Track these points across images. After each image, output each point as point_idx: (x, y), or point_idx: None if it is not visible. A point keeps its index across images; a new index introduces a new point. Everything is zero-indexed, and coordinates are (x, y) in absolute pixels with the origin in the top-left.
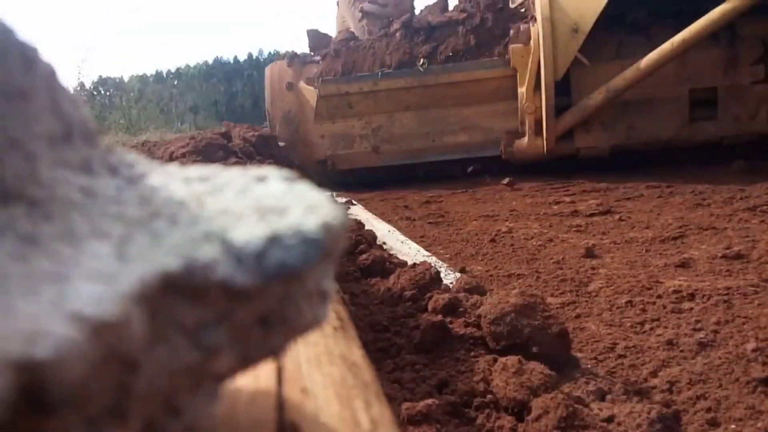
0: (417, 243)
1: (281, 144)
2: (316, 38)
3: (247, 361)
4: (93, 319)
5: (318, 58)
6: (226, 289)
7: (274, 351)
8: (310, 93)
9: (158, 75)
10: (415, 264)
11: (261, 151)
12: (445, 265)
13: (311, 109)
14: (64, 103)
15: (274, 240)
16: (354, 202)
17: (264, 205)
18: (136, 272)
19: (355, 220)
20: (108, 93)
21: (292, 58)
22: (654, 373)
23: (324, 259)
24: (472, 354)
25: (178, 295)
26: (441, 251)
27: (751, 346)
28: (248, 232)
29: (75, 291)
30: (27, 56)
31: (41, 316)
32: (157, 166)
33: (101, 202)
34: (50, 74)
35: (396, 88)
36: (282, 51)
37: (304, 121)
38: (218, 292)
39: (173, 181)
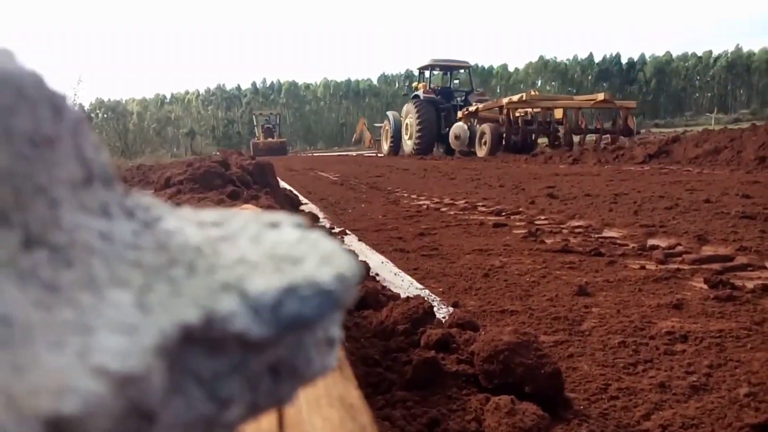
0: (410, 275)
1: (255, 147)
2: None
3: (256, 410)
4: (117, 373)
5: (258, 140)
6: (241, 340)
7: (283, 400)
8: (255, 143)
9: (157, 98)
10: (408, 297)
11: (258, 180)
12: (438, 299)
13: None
14: (87, 147)
15: (290, 291)
16: (348, 232)
17: (278, 254)
18: (157, 324)
19: (349, 250)
20: (106, 116)
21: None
22: (647, 416)
23: (336, 310)
24: (464, 392)
25: (196, 346)
26: (434, 285)
27: (743, 390)
28: (264, 283)
29: (99, 343)
30: (56, 105)
31: (68, 369)
32: (170, 209)
33: (119, 247)
34: (76, 121)
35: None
36: (282, 80)
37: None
38: (234, 343)
39: (187, 225)
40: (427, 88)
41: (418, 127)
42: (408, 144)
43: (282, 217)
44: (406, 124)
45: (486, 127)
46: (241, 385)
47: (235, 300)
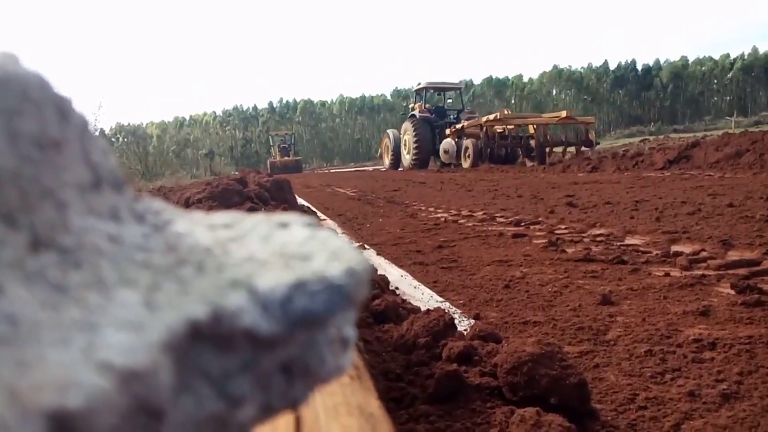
0: (430, 288)
1: (272, 165)
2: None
3: (269, 411)
4: (122, 368)
5: (275, 159)
6: (251, 337)
7: (296, 401)
8: (272, 162)
9: (176, 121)
10: (428, 310)
11: (275, 196)
12: (459, 311)
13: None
14: (94, 152)
15: (299, 286)
16: (366, 246)
17: (288, 252)
18: (164, 320)
19: None
20: (126, 140)
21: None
22: (677, 426)
23: (347, 306)
24: (488, 405)
25: (204, 343)
26: (454, 297)
27: None
28: (273, 279)
29: (104, 340)
30: (62, 108)
31: (72, 365)
32: (182, 213)
33: (128, 250)
34: (82, 124)
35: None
36: (298, 99)
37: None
38: (243, 340)
39: (198, 227)
40: (423, 107)
41: (415, 144)
42: (406, 158)
43: (292, 217)
44: (404, 141)
45: (469, 143)
46: (253, 383)
47: (244, 296)
